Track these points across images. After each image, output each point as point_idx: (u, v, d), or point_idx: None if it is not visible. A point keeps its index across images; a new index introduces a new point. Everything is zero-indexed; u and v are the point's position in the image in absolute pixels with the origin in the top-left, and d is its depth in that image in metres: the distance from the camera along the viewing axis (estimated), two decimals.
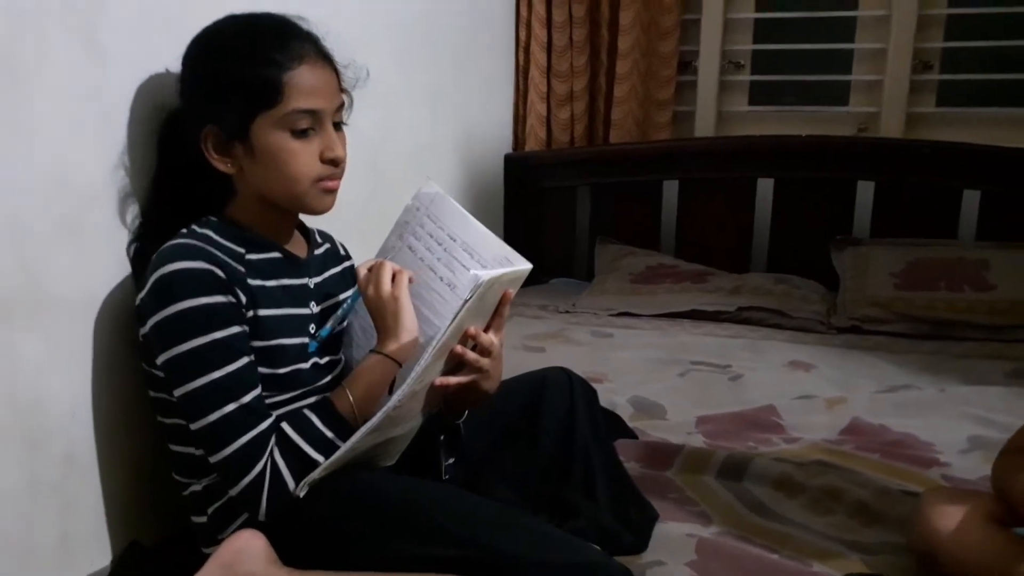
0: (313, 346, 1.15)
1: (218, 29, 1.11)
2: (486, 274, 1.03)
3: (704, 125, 2.72)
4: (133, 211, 1.19)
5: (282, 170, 1.09)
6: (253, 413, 1.03)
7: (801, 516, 1.32)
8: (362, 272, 1.14)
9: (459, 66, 2.36)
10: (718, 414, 1.72)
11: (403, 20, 1.99)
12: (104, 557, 1.19)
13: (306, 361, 1.14)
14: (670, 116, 2.70)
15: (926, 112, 2.57)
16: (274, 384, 1.10)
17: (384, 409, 1.04)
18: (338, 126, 1.14)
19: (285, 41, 1.08)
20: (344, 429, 1.07)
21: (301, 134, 1.08)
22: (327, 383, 1.17)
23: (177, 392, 1.04)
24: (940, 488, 1.33)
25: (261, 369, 1.08)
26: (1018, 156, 2.34)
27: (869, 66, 2.60)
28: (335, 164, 1.12)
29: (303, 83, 1.07)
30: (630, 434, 1.58)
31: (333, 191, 1.14)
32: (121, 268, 1.18)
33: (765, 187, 2.56)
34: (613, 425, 1.56)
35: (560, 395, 1.37)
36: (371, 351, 1.12)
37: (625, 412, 1.69)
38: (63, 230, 1.09)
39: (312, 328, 1.16)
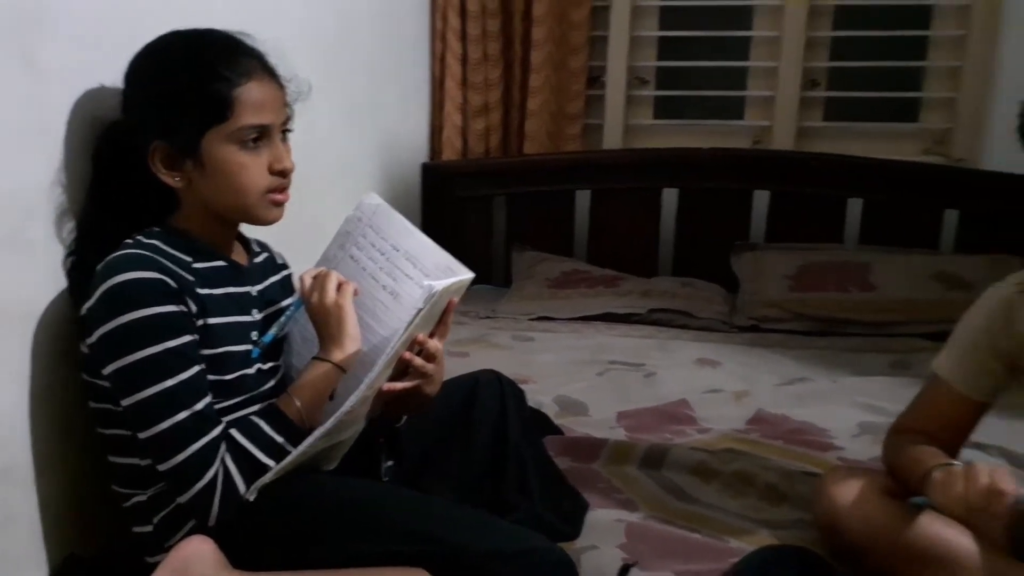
0: (256, 352, 1.18)
1: (165, 46, 1.12)
2: (440, 284, 1.09)
3: (612, 137, 2.85)
4: (69, 225, 1.18)
5: (232, 182, 1.11)
6: (205, 420, 1.06)
7: (717, 499, 1.44)
8: (307, 280, 1.18)
9: (376, 78, 2.40)
10: (636, 409, 1.83)
11: (321, 34, 2.02)
12: (41, 572, 1.18)
13: (251, 367, 1.17)
14: (580, 128, 2.82)
15: (814, 126, 2.77)
16: (221, 390, 1.12)
17: (337, 413, 1.08)
18: (284, 137, 1.17)
19: (233, 57, 1.11)
20: (293, 434, 1.10)
21: (251, 147, 1.11)
22: (270, 388, 1.20)
23: (126, 401, 1.04)
24: (837, 468, 1.47)
25: (209, 376, 1.10)
26: (895, 167, 2.57)
27: (762, 83, 2.79)
28: (284, 175, 1.15)
29: (252, 98, 1.10)
30: (557, 431, 1.67)
31: (282, 203, 1.17)
32: (59, 281, 1.17)
33: (670, 196, 2.70)
34: (541, 423, 1.64)
35: (492, 396, 1.44)
36: (315, 358, 1.15)
37: (551, 411, 1.78)
38: (2, 244, 1.09)
39: (255, 335, 1.19)
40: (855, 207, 2.61)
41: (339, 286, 1.15)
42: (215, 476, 1.04)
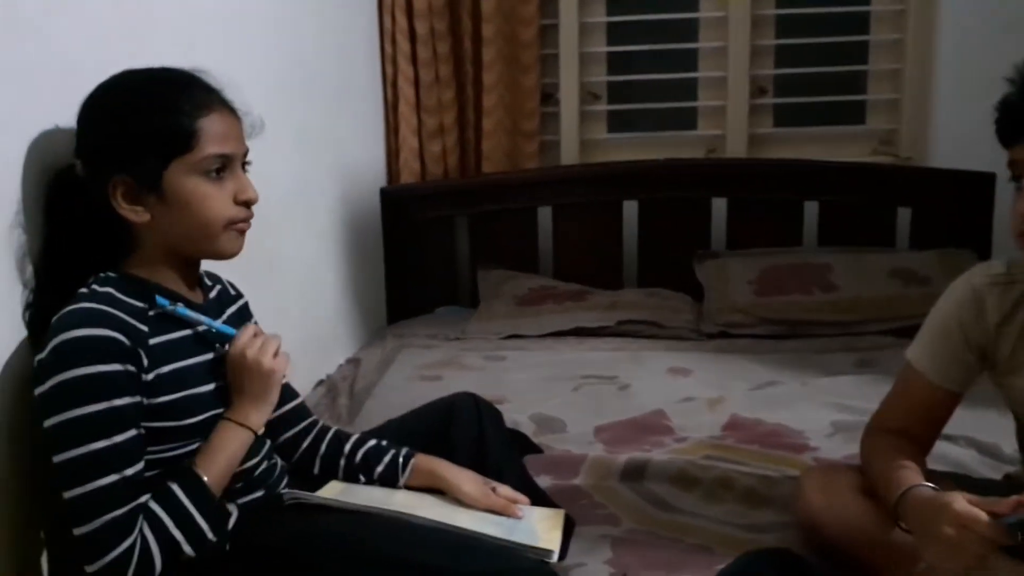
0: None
1: (122, 82, 1.12)
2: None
3: (569, 153, 2.86)
4: (29, 270, 1.16)
5: (197, 213, 1.11)
6: (131, 487, 1.03)
7: (698, 507, 1.45)
8: (246, 333, 1.16)
9: (329, 106, 2.39)
10: (613, 422, 1.83)
11: (273, 64, 2.01)
12: None
13: (222, 407, 1.15)
14: (537, 146, 2.83)
15: (765, 132, 2.83)
16: (191, 433, 1.11)
17: (408, 515, 1.18)
18: (244, 169, 1.17)
19: (192, 90, 1.11)
20: (207, 506, 1.07)
21: (214, 177, 1.11)
22: None
23: (57, 458, 1.01)
24: (814, 468, 1.49)
25: (174, 423, 1.09)
26: (847, 169, 2.63)
27: (712, 93, 2.84)
28: (248, 205, 1.15)
29: (214, 129, 1.10)
30: (536, 449, 1.67)
31: (244, 233, 1.17)
32: (19, 331, 1.14)
33: (630, 208, 2.73)
34: (520, 443, 1.64)
35: (469, 419, 1.44)
36: (231, 420, 1.13)
37: (528, 429, 1.77)
38: None
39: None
40: (811, 210, 2.66)
41: (277, 352, 1.16)
42: (131, 546, 1.01)
